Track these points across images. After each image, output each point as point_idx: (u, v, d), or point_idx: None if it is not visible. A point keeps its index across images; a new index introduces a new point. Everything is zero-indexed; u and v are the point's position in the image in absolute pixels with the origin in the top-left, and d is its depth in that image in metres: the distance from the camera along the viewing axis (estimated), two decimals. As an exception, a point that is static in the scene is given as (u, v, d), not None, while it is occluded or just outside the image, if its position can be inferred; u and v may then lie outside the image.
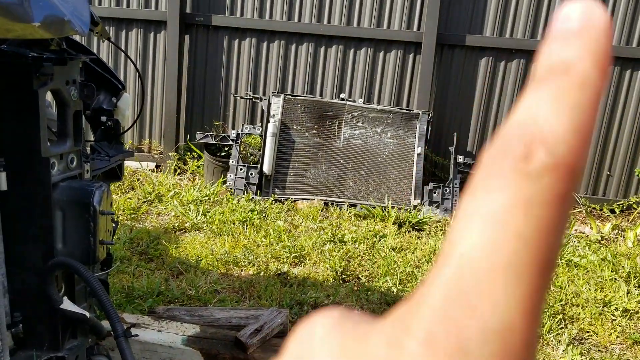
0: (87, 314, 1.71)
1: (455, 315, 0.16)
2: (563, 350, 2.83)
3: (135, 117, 2.77)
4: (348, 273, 3.56)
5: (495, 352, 0.16)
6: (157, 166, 5.81)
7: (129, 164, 5.49)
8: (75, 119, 1.81)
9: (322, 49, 5.67)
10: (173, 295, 2.94)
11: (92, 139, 2.41)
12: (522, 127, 0.18)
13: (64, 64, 1.75)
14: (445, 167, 5.45)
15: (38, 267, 1.63)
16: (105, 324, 1.82)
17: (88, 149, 2.35)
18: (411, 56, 5.60)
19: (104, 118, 2.41)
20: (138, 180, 5.16)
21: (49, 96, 1.78)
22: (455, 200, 4.97)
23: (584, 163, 0.17)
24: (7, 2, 1.38)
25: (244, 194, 4.93)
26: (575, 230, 4.93)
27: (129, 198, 4.62)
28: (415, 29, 5.55)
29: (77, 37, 2.11)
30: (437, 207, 4.94)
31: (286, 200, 4.88)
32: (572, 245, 4.33)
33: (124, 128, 2.51)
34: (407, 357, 0.17)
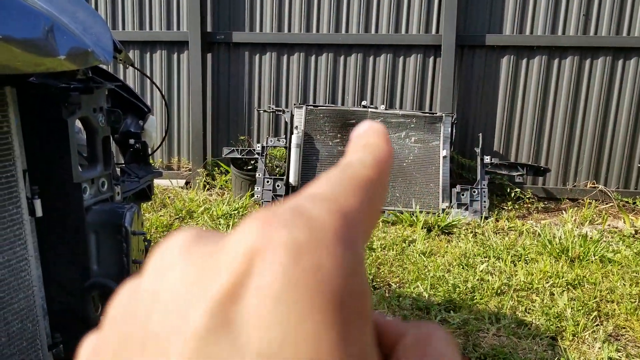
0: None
1: None
2: (599, 348, 2.78)
3: (162, 138, 2.85)
4: (378, 280, 3.56)
5: None
6: (186, 183, 5.92)
7: (159, 182, 5.60)
8: (104, 144, 1.88)
9: (342, 58, 5.72)
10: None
11: (122, 162, 2.49)
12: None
13: (91, 93, 1.82)
14: (473, 168, 5.42)
15: (75, 288, 1.69)
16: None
17: (118, 171, 2.43)
18: (431, 59, 5.60)
19: (132, 141, 2.49)
20: (169, 197, 5.26)
21: (78, 123, 1.85)
22: (485, 202, 4.94)
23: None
24: (33, 38, 1.45)
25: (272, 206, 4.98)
26: (609, 225, 4.84)
27: (161, 216, 4.72)
28: (433, 32, 5.55)
29: (102, 65, 2.19)
30: (466, 209, 4.92)
31: (314, 210, 4.91)
32: (605, 241, 4.25)
33: (151, 149, 2.59)
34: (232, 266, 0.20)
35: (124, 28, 5.91)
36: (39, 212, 1.65)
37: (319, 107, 5.25)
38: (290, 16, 5.72)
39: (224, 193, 5.57)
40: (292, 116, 5.21)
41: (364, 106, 5.35)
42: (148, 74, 5.95)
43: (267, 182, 5.08)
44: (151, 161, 2.63)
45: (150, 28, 5.92)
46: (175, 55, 5.92)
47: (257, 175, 5.12)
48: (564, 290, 3.42)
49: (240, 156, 5.34)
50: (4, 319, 1.54)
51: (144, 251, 1.90)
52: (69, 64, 1.59)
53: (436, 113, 5.28)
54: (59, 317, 1.70)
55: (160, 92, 2.71)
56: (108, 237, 1.74)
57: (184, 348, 0.19)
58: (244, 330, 0.18)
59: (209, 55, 5.87)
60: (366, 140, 0.26)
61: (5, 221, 1.55)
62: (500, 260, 3.89)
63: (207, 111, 5.95)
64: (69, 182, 1.69)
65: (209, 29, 5.82)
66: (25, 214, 1.63)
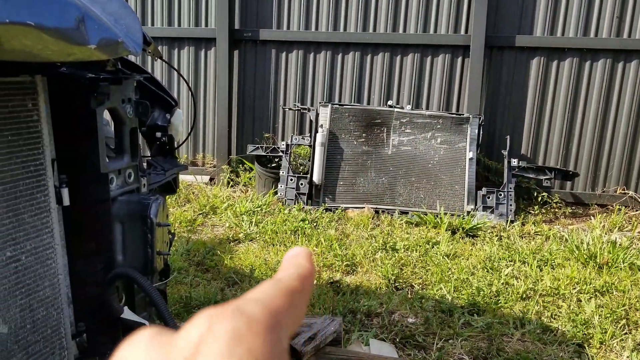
0: (147, 323, 1.77)
1: None
2: (627, 357, 2.71)
3: (188, 132, 2.86)
4: (401, 281, 3.53)
5: None
6: (211, 179, 5.95)
7: (184, 177, 5.64)
8: (132, 135, 1.89)
9: (369, 57, 5.68)
10: (228, 305, 3.00)
11: (148, 154, 2.50)
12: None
13: (120, 84, 1.82)
14: (499, 171, 5.34)
15: (100, 278, 1.70)
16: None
17: (144, 164, 2.44)
18: (459, 60, 5.53)
19: (158, 134, 2.50)
20: (193, 193, 5.30)
21: (106, 114, 1.86)
22: (511, 205, 4.86)
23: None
24: (65, 27, 1.46)
25: (295, 203, 4.98)
26: (639, 232, 4.72)
27: (185, 211, 4.75)
28: (462, 32, 5.49)
29: (131, 57, 2.20)
30: (492, 212, 4.84)
31: (337, 209, 4.89)
32: (635, 248, 4.14)
33: (177, 143, 2.60)
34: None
35: (153, 24, 5.97)
36: (66, 201, 1.66)
37: (345, 106, 5.23)
38: (318, 14, 5.71)
39: (248, 190, 5.58)
40: (317, 114, 5.20)
41: (390, 106, 5.31)
42: (153, 72, 5.99)
43: (291, 180, 5.07)
44: (176, 156, 2.64)
45: (179, 24, 5.97)
46: (202, 52, 5.95)
47: (281, 173, 5.12)
48: (591, 297, 3.35)
49: (264, 154, 5.34)
50: (29, 305, 1.55)
51: (168, 243, 1.90)
52: (99, 53, 1.59)
53: (463, 114, 5.22)
54: (83, 306, 1.70)
55: (188, 86, 2.72)
56: (133, 228, 1.75)
57: None
58: None
59: (236, 53, 5.89)
60: (294, 261, 0.35)
61: (33, 209, 1.56)
62: (526, 264, 3.82)
63: (233, 108, 5.97)
64: (96, 172, 1.70)
65: (236, 26, 5.84)
66: (52, 202, 1.64)
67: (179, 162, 2.59)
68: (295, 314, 0.30)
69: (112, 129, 1.98)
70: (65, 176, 1.66)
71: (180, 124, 2.60)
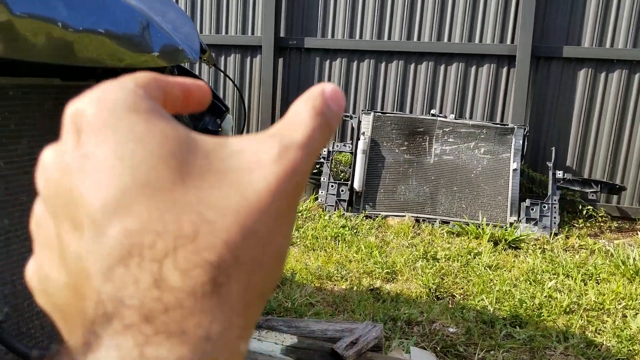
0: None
1: None
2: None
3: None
4: (442, 290, 3.52)
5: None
6: (252, 184, 6.04)
7: (226, 181, 5.75)
8: (186, 139, 1.96)
9: (412, 65, 5.69)
10: (270, 307, 3.05)
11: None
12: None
13: (177, 89, 1.90)
14: (544, 183, 5.26)
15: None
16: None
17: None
18: (504, 70, 5.48)
19: (208, 138, 2.58)
20: (235, 197, 5.39)
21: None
22: (555, 217, 4.78)
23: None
24: (130, 35, 1.54)
25: (335, 210, 5.02)
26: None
27: (227, 214, 4.84)
28: (508, 42, 5.44)
29: (186, 64, 2.28)
30: (535, 224, 4.77)
31: (377, 216, 4.91)
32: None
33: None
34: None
35: (201, 31, 6.13)
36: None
37: (387, 114, 5.25)
38: (363, 23, 5.75)
39: (289, 195, 5.65)
40: (359, 122, 5.23)
41: (433, 115, 5.30)
42: (222, 77, 6.13)
43: (332, 186, 5.12)
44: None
45: (226, 32, 6.11)
46: (248, 59, 6.08)
47: (321, 179, 5.17)
48: (637, 313, 3.27)
49: (306, 160, 5.39)
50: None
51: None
52: (161, 60, 1.67)
53: (508, 124, 5.17)
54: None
55: (240, 94, 2.79)
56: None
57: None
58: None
59: (281, 60, 5.99)
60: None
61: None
62: (570, 278, 3.75)
63: (276, 115, 6.06)
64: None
65: (282, 34, 5.94)
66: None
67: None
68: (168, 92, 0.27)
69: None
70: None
71: (230, 129, 2.68)
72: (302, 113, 0.26)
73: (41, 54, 1.23)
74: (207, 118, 2.60)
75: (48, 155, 0.25)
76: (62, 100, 1.56)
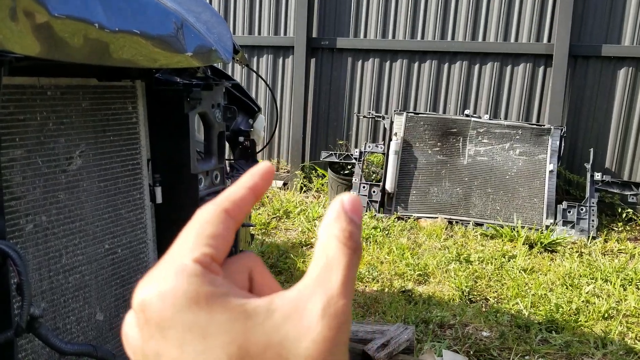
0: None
1: None
2: None
3: (269, 137, 2.94)
4: (475, 293, 3.46)
5: None
6: (284, 184, 6.06)
7: (258, 182, 5.78)
8: (219, 139, 1.97)
9: (446, 65, 5.63)
10: (301, 308, 3.05)
11: (231, 158, 2.60)
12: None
13: (210, 89, 1.91)
14: (581, 185, 5.13)
15: (187, 273, 1.78)
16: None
17: (227, 167, 2.54)
18: (541, 69, 5.37)
19: (241, 138, 2.59)
20: (267, 197, 5.42)
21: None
22: (593, 220, 4.65)
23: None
24: (165, 35, 1.55)
25: (366, 211, 4.99)
26: None
27: (259, 214, 4.87)
28: (545, 40, 5.33)
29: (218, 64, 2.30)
30: (572, 227, 4.65)
31: (409, 218, 4.86)
32: None
33: (259, 147, 2.68)
34: None
35: (234, 32, 6.17)
36: (159, 199, 1.75)
37: (420, 115, 5.20)
38: (396, 22, 5.71)
39: (320, 196, 5.65)
40: (391, 123, 5.20)
41: (467, 115, 5.22)
42: (254, 77, 6.17)
43: (364, 187, 5.09)
44: (257, 159, 2.72)
45: (259, 33, 6.14)
46: (280, 60, 6.10)
47: (353, 180, 5.15)
48: (681, 322, 3.15)
49: (337, 160, 5.39)
50: (123, 296, 1.65)
51: (249, 243, 1.97)
52: (195, 61, 1.68)
53: (544, 125, 5.06)
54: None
55: (272, 94, 2.80)
56: (219, 227, 1.82)
57: None
58: None
59: (313, 60, 5.99)
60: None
61: (129, 205, 1.67)
62: (609, 283, 3.65)
63: (308, 115, 6.07)
64: (187, 173, 1.79)
65: (314, 35, 5.94)
66: (146, 199, 1.75)
67: (259, 166, 2.66)
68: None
69: (198, 133, 2.07)
70: (159, 175, 1.76)
71: (262, 129, 2.69)
72: (332, 249, 0.29)
73: (78, 54, 1.25)
74: (240, 118, 2.61)
75: (130, 332, 0.29)
76: (98, 100, 1.59)
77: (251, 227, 1.88)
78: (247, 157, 2.61)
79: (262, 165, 0.34)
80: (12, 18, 1.06)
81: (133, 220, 1.69)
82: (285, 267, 3.74)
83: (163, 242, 1.81)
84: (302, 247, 4.21)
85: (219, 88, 2.00)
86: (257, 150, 2.64)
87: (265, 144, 2.98)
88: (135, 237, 1.71)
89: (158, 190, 1.76)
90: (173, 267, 0.28)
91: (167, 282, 0.27)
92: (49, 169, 1.37)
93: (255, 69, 6.16)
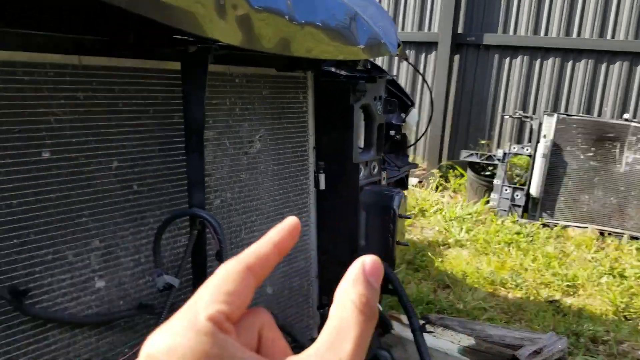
0: (380, 308, 1.87)
1: None
2: None
3: (422, 133, 2.93)
4: (631, 311, 3.19)
5: None
6: (419, 182, 6.01)
7: (394, 178, 5.78)
8: (379, 131, 2.00)
9: (604, 65, 5.23)
10: (442, 306, 3.01)
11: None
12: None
13: (374, 82, 1.94)
14: None
15: (344, 259, 1.84)
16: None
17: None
18: None
19: (392, 132, 2.61)
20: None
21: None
22: None
23: None
24: (341, 27, 1.59)
25: (508, 215, 4.79)
26: None
27: (395, 210, 4.87)
28: None
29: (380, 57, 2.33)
30: None
31: (555, 225, 4.59)
32: None
33: (410, 142, 2.68)
34: None
35: (378, 29, 6.21)
36: (322, 186, 1.82)
37: (572, 117, 4.88)
38: (549, 18, 5.40)
39: (457, 196, 5.52)
40: (540, 124, 4.93)
41: (626, 119, 4.81)
42: (395, 73, 6.17)
43: (506, 190, 4.89)
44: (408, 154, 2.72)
45: (403, 29, 6.12)
46: (422, 56, 6.03)
47: (494, 182, 4.97)
48: None
49: (478, 160, 5.23)
50: (288, 274, 1.74)
51: (404, 235, 1.98)
52: (365, 53, 1.72)
53: None
54: (327, 282, 1.86)
55: (430, 91, 2.79)
56: (377, 217, 1.85)
57: None
58: None
59: (456, 57, 5.85)
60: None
61: (297, 189, 1.76)
62: None
63: (448, 113, 5.95)
64: (349, 162, 1.84)
65: (459, 31, 5.80)
66: (311, 185, 1.83)
67: (409, 161, 2.67)
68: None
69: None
70: (323, 163, 1.83)
71: (414, 124, 2.68)
72: (347, 314, 0.29)
73: (269, 45, 1.33)
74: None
75: None
76: (276, 89, 1.68)
77: (409, 219, 1.89)
78: (397, 151, 2.62)
79: (289, 221, 0.34)
80: (219, 9, 1.15)
81: (299, 203, 1.77)
82: (422, 264, 3.71)
83: (323, 227, 1.88)
84: (438, 246, 4.14)
85: (381, 81, 2.03)
86: (408, 145, 2.64)
87: (417, 138, 2.97)
88: (300, 220, 1.79)
89: (322, 177, 1.83)
90: (186, 322, 0.28)
91: (177, 337, 0.27)
92: (234, 150, 1.48)
93: (395, 65, 6.15)
